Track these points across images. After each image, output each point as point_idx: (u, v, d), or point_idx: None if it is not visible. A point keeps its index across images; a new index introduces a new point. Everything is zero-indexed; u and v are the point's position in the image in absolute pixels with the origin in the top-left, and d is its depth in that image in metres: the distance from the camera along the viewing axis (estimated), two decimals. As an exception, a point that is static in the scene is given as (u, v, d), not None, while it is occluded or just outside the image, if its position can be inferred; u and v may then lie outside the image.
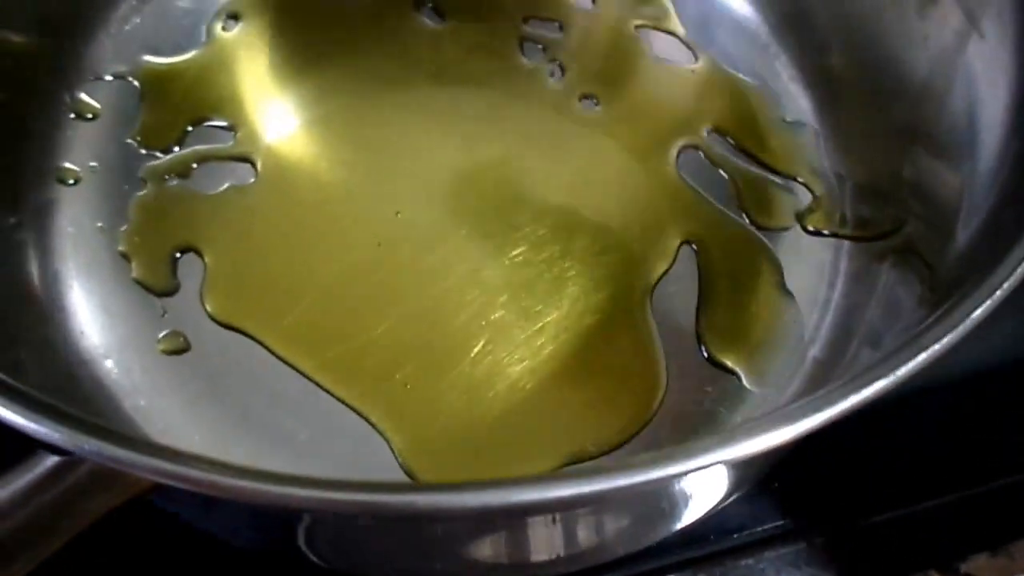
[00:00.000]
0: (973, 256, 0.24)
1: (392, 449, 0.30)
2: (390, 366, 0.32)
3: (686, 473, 0.16)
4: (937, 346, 0.18)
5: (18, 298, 0.31)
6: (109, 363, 0.31)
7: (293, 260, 0.34)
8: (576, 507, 0.21)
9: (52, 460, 0.17)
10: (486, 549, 0.25)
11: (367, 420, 0.31)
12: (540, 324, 0.33)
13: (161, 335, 0.32)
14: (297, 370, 0.32)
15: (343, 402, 0.31)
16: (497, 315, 0.33)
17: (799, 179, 0.37)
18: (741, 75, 0.39)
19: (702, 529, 0.30)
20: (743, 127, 0.38)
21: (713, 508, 0.29)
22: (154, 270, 0.33)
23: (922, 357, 0.18)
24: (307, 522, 0.22)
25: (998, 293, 0.19)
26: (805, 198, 0.36)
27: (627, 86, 0.39)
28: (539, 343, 0.33)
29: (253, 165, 0.36)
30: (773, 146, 0.38)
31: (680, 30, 0.40)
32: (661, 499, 0.25)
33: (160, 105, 0.37)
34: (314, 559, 0.25)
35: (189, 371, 0.31)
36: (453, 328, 0.33)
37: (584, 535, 0.26)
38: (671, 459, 0.16)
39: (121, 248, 0.33)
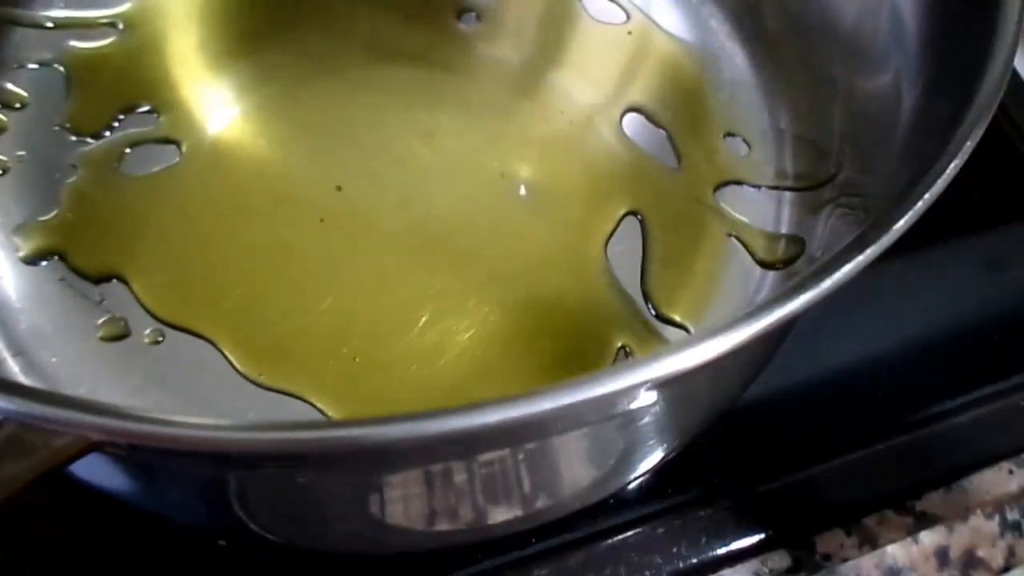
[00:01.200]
0: (900, 186, 0.24)
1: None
2: (338, 340, 0.32)
3: (620, 392, 0.16)
4: (861, 256, 0.18)
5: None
6: (46, 353, 0.30)
7: (232, 241, 0.33)
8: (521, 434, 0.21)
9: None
10: (436, 509, 0.25)
11: (306, 401, 0.30)
12: (486, 293, 0.33)
13: (99, 321, 0.31)
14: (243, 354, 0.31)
15: (279, 391, 0.30)
16: (442, 285, 0.33)
17: (739, 135, 0.37)
18: (677, 35, 0.39)
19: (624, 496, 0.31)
20: (682, 87, 0.38)
21: (665, 455, 0.29)
22: (89, 258, 0.32)
23: (847, 268, 0.18)
24: (235, 484, 0.22)
25: (918, 205, 0.19)
26: (745, 154, 0.37)
27: (566, 50, 0.39)
28: (485, 311, 0.32)
29: (185, 148, 0.35)
30: (711, 104, 0.38)
31: (615, -6, 0.40)
32: (613, 436, 0.25)
33: (88, 90, 0.36)
34: (257, 529, 0.25)
35: (130, 357, 0.31)
36: (400, 299, 0.33)
37: (535, 485, 0.26)
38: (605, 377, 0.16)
39: (54, 237, 0.32)
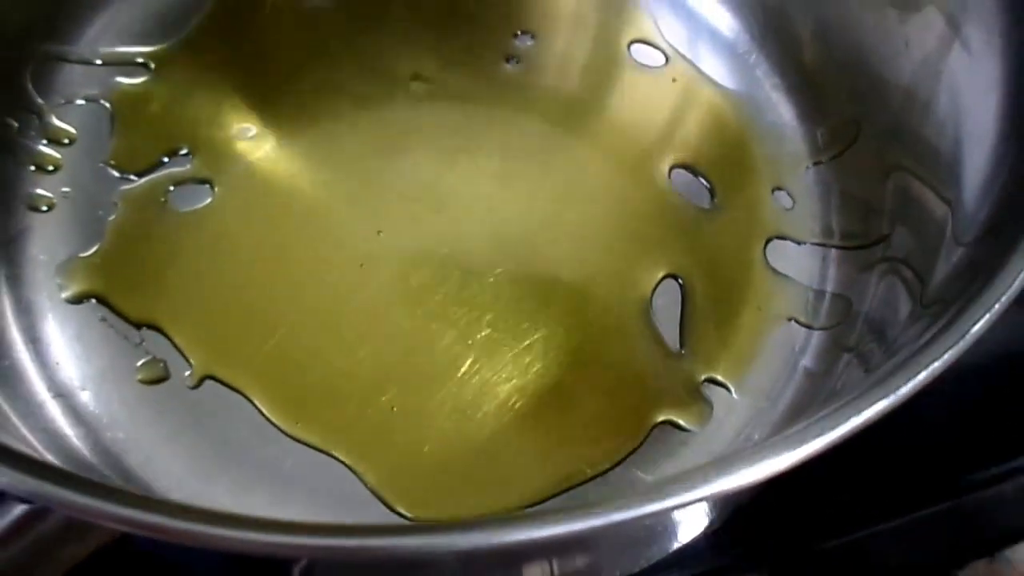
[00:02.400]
0: (965, 270, 0.23)
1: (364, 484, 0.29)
2: (375, 389, 0.31)
3: (685, 504, 0.16)
4: (937, 363, 0.18)
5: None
6: (86, 395, 0.30)
7: (270, 286, 0.33)
8: (572, 545, 0.21)
9: (20, 509, 0.16)
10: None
11: (336, 458, 0.30)
12: (528, 342, 0.33)
13: (139, 363, 0.31)
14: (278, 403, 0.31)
15: (315, 447, 0.30)
16: (483, 334, 0.33)
17: (783, 188, 0.37)
18: (722, 83, 0.39)
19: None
20: (727, 137, 0.38)
21: (703, 531, 0.28)
22: (128, 300, 0.32)
23: (922, 376, 0.18)
24: (302, 564, 0.21)
25: (996, 307, 0.18)
26: (790, 207, 0.36)
27: (610, 97, 0.39)
28: (527, 361, 0.32)
29: (225, 190, 0.35)
30: (756, 156, 0.38)
31: (662, 43, 0.40)
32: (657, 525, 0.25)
33: (132, 128, 0.36)
34: None
35: (169, 400, 0.31)
36: (439, 348, 0.32)
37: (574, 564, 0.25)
38: (671, 491, 0.16)
39: (96, 276, 0.32)
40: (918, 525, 0.33)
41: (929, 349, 0.18)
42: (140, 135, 0.36)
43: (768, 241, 0.35)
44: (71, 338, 0.31)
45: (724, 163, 0.37)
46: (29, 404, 0.29)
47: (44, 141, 0.35)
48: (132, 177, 0.35)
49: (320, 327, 0.32)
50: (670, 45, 0.40)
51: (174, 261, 0.33)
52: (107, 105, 0.36)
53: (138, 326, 0.32)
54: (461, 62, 0.39)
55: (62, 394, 0.30)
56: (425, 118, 0.38)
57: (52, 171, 0.34)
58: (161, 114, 0.36)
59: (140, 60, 0.37)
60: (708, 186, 0.36)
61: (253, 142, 0.36)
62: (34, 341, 0.31)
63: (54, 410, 0.30)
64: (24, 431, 0.28)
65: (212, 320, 0.32)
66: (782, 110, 0.38)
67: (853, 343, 0.31)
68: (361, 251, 0.34)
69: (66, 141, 0.35)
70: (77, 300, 0.32)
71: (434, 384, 0.32)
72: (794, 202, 0.36)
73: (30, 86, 0.35)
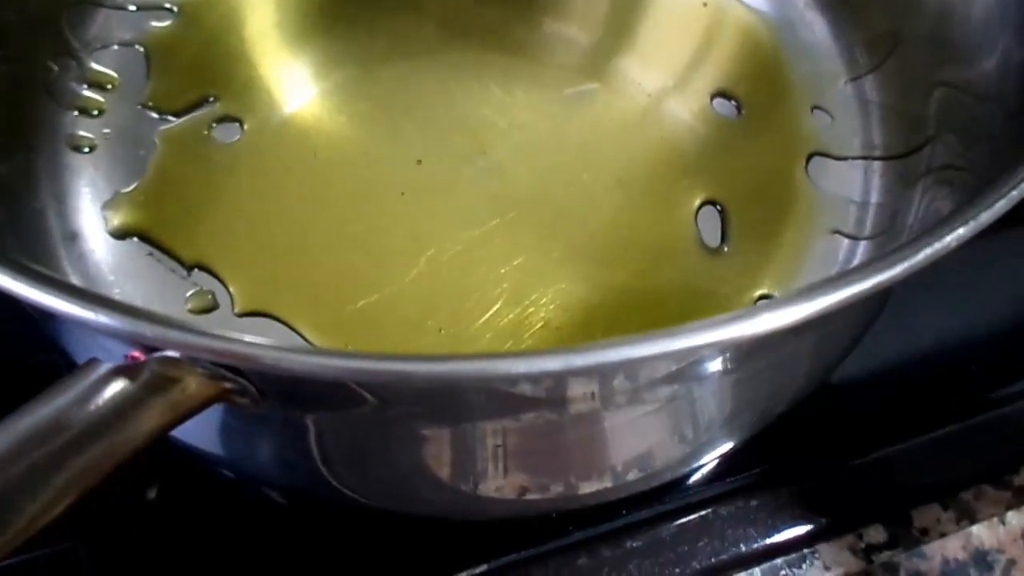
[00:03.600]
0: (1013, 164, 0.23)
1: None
2: (423, 313, 0.31)
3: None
4: (960, 230, 0.18)
5: (43, 263, 0.30)
6: (137, 325, 0.31)
7: (315, 218, 0.33)
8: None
9: (105, 368, 0.16)
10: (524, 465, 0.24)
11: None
12: (570, 270, 0.33)
13: (188, 294, 0.31)
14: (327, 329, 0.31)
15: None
16: (524, 257, 0.33)
17: (821, 107, 0.36)
18: (754, 5, 0.39)
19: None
20: (761, 60, 0.38)
21: (759, 427, 0.28)
22: (172, 238, 0.32)
23: (945, 240, 0.18)
24: (315, 432, 0.22)
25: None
26: (829, 124, 0.36)
27: (640, 26, 0.39)
28: (564, 286, 0.32)
29: (264, 128, 0.35)
30: (792, 77, 0.37)
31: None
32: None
33: (168, 70, 0.36)
34: (338, 486, 0.24)
35: (219, 328, 0.31)
36: (483, 271, 0.32)
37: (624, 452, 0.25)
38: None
39: (139, 212, 0.33)
40: (970, 433, 0.32)
41: (949, 223, 0.18)
42: (175, 77, 0.36)
43: (809, 158, 0.35)
44: (120, 270, 0.32)
45: (759, 85, 0.37)
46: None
47: (85, 85, 0.35)
48: (170, 118, 0.35)
49: (365, 256, 0.33)
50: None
51: (215, 198, 0.33)
52: (141, 49, 0.36)
53: (183, 264, 0.32)
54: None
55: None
56: (456, 54, 0.38)
57: (96, 115, 0.35)
58: (194, 56, 0.36)
59: (168, 5, 0.37)
60: (743, 109, 0.36)
61: (292, 81, 0.36)
62: (82, 274, 0.31)
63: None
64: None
65: (255, 254, 0.32)
66: (816, 28, 0.38)
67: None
68: (402, 181, 0.34)
69: (108, 86, 0.35)
70: (121, 235, 0.32)
71: (479, 308, 0.32)
72: (833, 119, 0.36)
73: (67, 31, 0.35)
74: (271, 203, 0.34)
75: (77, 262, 0.31)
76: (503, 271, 0.32)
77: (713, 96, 0.37)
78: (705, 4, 0.39)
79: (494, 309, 0.32)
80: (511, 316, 0.32)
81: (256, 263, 0.32)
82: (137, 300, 0.31)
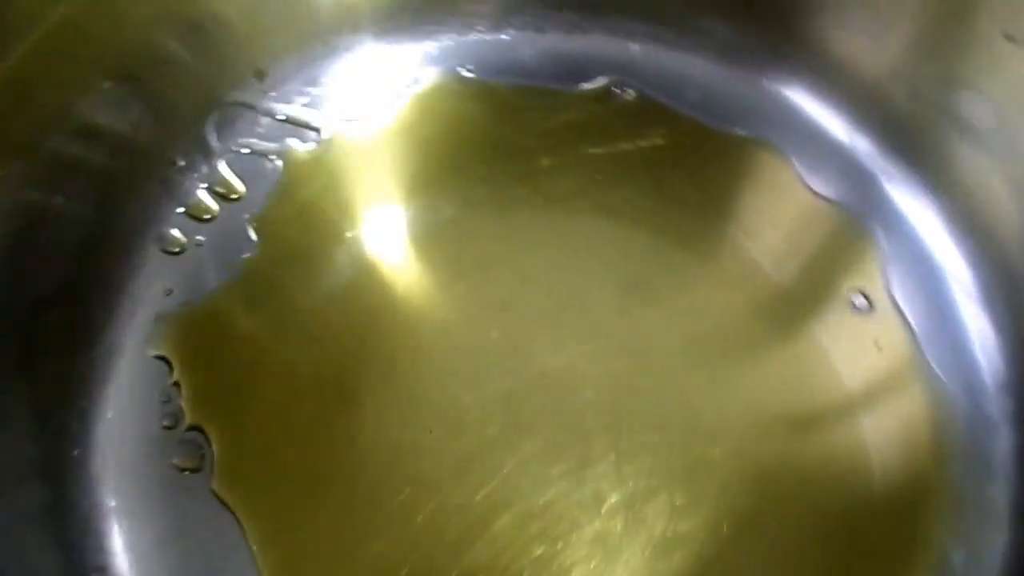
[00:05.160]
0: None
1: None
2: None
3: None
4: None
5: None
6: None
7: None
8: None
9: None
10: None
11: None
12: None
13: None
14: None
15: None
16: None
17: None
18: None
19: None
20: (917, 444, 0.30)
21: None
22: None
23: None
24: None
25: None
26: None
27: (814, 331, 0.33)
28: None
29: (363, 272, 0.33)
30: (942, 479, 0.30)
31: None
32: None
33: (289, 194, 0.35)
34: None
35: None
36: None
37: None
38: None
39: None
40: None
41: None
42: (290, 203, 0.35)
43: None
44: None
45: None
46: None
47: (205, 186, 0.34)
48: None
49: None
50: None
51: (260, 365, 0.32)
52: (279, 164, 0.35)
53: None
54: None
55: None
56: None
57: (204, 219, 0.34)
58: (316, 193, 0.35)
59: (315, 125, 0.36)
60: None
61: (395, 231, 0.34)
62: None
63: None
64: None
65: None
66: (1000, 438, 0.30)
67: None
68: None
69: (230, 195, 0.34)
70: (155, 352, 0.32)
71: None
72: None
73: (209, 128, 0.35)
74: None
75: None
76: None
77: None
78: (880, 349, 0.32)
79: None
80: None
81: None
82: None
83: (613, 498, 0.29)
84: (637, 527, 0.29)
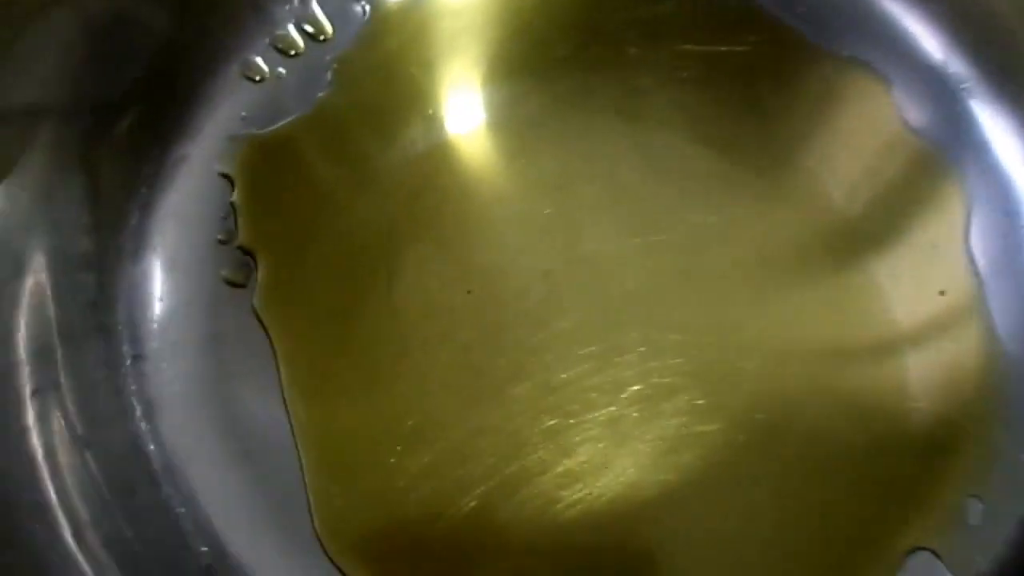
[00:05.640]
0: None
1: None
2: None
3: None
4: None
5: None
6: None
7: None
8: None
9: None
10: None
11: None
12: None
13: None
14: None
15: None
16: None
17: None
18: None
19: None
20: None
21: None
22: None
23: None
24: None
25: None
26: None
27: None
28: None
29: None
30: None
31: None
32: None
33: (376, 47, 0.35)
34: None
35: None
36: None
37: None
38: None
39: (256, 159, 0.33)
40: None
41: None
42: (377, 55, 0.35)
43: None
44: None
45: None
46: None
47: (293, 23, 0.35)
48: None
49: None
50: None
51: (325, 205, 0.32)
52: (367, 8, 0.35)
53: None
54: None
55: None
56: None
57: (290, 55, 0.34)
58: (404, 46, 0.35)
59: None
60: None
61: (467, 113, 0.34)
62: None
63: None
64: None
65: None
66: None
67: None
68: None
69: (318, 36, 0.35)
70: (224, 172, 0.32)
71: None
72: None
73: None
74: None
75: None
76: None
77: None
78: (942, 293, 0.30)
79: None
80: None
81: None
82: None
83: (634, 387, 0.29)
84: (652, 419, 0.29)
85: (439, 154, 0.33)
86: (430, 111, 0.34)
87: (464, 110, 0.34)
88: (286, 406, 0.29)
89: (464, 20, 0.35)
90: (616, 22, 0.34)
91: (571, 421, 0.29)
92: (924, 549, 0.27)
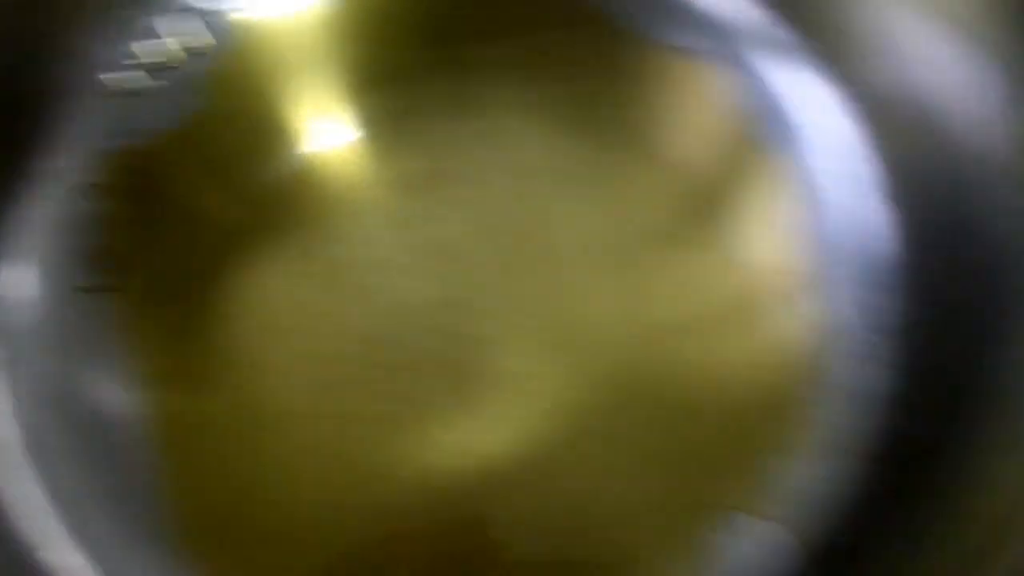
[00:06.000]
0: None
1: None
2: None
3: None
4: None
5: None
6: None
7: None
8: None
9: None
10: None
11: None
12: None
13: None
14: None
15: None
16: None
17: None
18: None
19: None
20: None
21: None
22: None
23: None
24: None
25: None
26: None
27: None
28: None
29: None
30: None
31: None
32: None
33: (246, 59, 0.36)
34: None
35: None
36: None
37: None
38: None
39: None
40: None
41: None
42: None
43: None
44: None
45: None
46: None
47: (165, 34, 0.35)
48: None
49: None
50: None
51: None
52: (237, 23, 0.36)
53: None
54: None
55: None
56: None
57: (162, 68, 0.35)
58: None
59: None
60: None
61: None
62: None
63: None
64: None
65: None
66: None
67: None
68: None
69: (193, 51, 0.35)
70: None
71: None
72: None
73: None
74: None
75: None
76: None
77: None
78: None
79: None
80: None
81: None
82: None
83: (489, 367, 0.30)
84: (511, 398, 0.30)
85: (309, 166, 0.34)
86: (299, 124, 0.35)
87: (332, 121, 0.35)
88: (141, 402, 0.30)
89: (336, 31, 0.36)
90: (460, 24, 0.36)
91: (425, 403, 0.30)
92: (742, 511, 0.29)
